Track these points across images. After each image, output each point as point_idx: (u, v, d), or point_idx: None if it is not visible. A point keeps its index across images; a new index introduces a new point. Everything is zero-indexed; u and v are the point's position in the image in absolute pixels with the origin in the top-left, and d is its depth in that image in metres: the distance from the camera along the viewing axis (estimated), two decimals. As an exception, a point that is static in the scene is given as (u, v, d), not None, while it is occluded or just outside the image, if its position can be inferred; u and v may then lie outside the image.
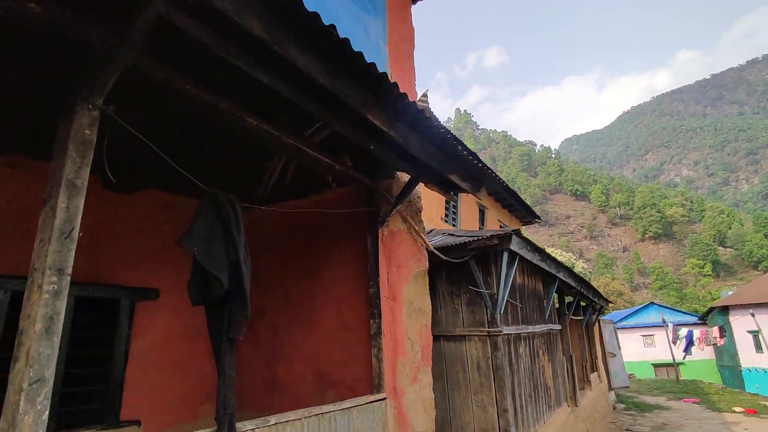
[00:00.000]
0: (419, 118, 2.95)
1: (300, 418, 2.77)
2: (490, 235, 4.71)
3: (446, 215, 9.88)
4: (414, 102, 2.75)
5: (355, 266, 4.12)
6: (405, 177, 4.33)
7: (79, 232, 1.88)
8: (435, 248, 4.69)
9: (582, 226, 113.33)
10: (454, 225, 10.13)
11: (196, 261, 2.34)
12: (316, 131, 3.24)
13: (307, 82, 2.38)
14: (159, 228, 4.43)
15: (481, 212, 12.11)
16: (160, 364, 4.22)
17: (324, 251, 4.39)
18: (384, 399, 3.58)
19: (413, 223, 4.21)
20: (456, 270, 5.28)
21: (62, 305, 1.77)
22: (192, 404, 4.40)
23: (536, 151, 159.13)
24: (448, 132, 3.14)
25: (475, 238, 4.82)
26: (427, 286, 4.41)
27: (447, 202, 10.02)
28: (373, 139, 3.15)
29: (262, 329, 4.64)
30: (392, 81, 2.59)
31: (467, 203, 11.12)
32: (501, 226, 13.19)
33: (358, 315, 4.00)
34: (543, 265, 6.08)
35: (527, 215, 15.64)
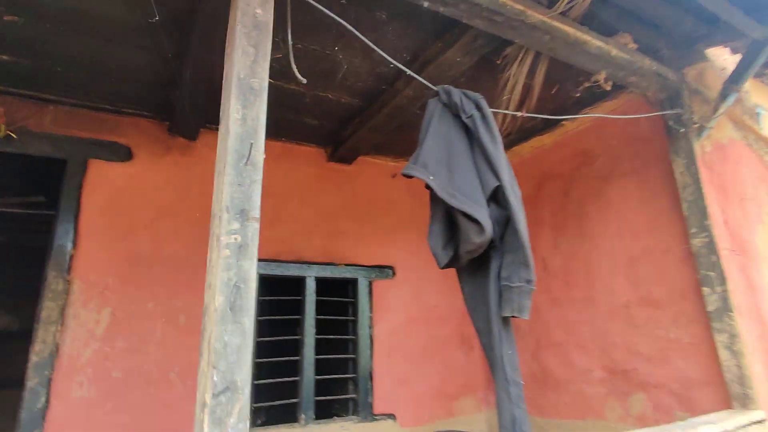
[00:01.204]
0: None
1: (635, 454, 1.63)
2: None
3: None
4: None
5: (651, 210, 2.70)
6: (723, 60, 2.67)
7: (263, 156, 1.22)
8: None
9: None
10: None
11: (436, 198, 1.47)
12: (577, -7, 2.03)
13: None
14: (387, 198, 3.93)
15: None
16: (406, 352, 3.68)
17: (591, 199, 3.10)
18: (763, 421, 2.09)
19: (755, 129, 2.51)
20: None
21: (251, 267, 1.11)
22: (446, 398, 3.73)
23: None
24: None
25: None
26: (792, 232, 2.62)
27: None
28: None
29: (517, 310, 3.63)
30: None
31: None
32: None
33: (671, 282, 2.58)
34: None
35: None
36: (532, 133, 3.34)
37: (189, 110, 2.86)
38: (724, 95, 2.32)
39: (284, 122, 3.28)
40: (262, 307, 3.38)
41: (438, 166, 1.46)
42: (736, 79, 2.29)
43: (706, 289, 2.32)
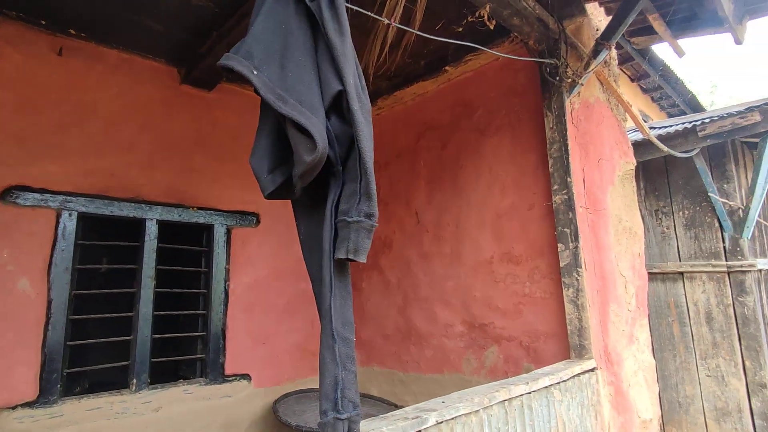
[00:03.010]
0: None
1: (477, 410, 1.52)
2: (746, 109, 2.83)
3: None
4: None
5: (521, 165, 2.68)
6: (598, 21, 2.66)
7: None
8: (640, 140, 3.01)
9: None
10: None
11: (264, 104, 1.12)
12: None
13: None
14: (254, 135, 3.43)
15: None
16: (267, 308, 3.36)
17: (467, 152, 3.00)
18: (594, 369, 2.20)
19: (618, 93, 2.56)
20: (661, 176, 3.51)
21: None
22: (311, 356, 3.53)
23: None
24: None
25: (712, 119, 2.98)
26: (635, 195, 2.80)
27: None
28: None
29: (389, 265, 3.50)
30: None
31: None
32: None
33: (531, 239, 2.60)
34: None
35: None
36: (415, 77, 3.11)
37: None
38: (596, 51, 2.29)
39: (120, 22, 2.59)
40: (85, 254, 2.76)
41: (268, 59, 1.11)
42: (608, 35, 2.25)
43: (561, 245, 2.35)
